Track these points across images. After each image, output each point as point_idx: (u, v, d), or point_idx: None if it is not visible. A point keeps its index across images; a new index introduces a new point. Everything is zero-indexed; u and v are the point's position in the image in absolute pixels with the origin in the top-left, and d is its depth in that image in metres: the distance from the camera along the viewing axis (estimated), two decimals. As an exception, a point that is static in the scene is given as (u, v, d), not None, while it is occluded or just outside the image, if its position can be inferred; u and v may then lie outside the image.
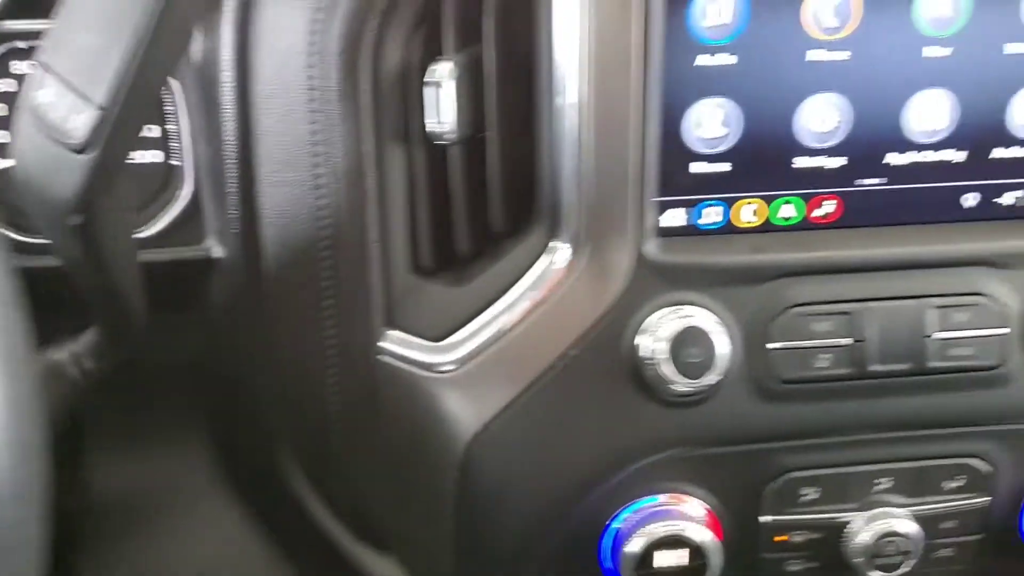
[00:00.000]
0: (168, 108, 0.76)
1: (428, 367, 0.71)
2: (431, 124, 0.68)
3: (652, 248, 0.69)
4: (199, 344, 0.89)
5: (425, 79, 0.67)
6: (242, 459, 0.96)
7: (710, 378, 0.68)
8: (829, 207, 0.72)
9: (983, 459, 0.75)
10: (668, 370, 0.67)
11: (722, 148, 0.70)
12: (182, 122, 0.76)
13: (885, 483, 0.75)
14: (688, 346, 0.67)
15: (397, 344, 0.72)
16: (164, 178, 0.78)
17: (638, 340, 0.69)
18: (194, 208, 0.78)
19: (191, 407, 0.94)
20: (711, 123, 0.69)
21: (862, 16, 0.67)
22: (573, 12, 0.65)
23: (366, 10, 0.66)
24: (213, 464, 0.96)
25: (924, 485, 0.75)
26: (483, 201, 0.71)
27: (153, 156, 0.77)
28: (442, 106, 0.67)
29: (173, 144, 0.77)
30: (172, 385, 0.92)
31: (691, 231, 0.71)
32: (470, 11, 0.68)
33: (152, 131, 0.76)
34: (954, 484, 0.75)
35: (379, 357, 0.72)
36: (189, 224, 0.78)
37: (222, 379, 0.93)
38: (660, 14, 0.65)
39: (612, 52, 0.65)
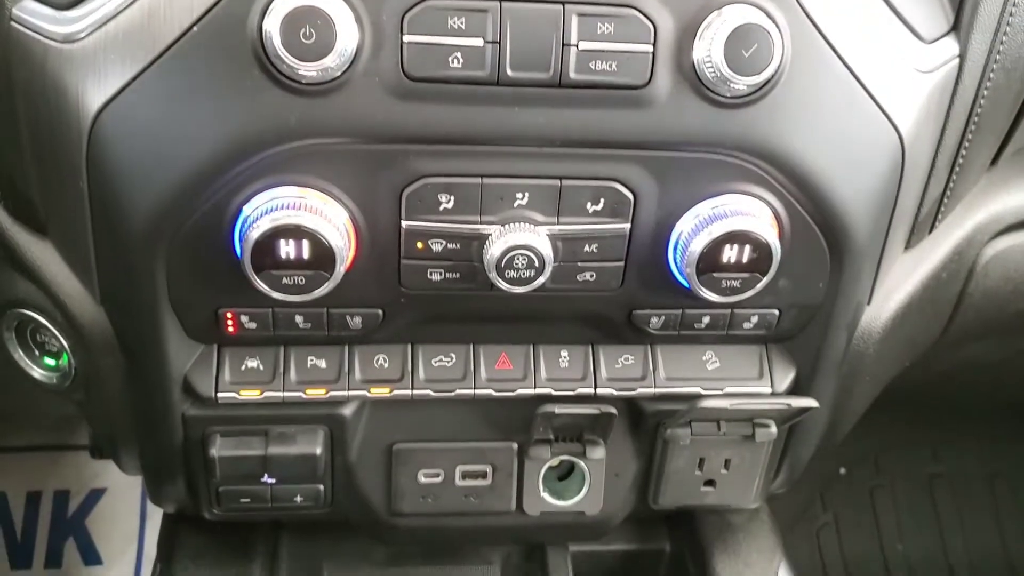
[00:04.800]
0: None
1: (58, 37, 0.69)
2: None
3: None
4: None
5: None
6: None
7: (330, 63, 0.66)
8: None
9: (624, 184, 0.74)
10: (281, 50, 0.65)
11: None
12: None
13: (525, 198, 0.74)
14: (304, 27, 0.64)
15: (28, 13, 0.69)
16: None
17: (265, 23, 0.66)
18: None
19: None
20: None
21: None
22: None
23: None
24: None
25: (565, 205, 0.74)
26: None
27: None
28: None
29: None
30: None
31: None
32: None
33: None
34: (595, 207, 0.75)
35: (12, 23, 0.69)
36: None
37: None
38: None
39: None
